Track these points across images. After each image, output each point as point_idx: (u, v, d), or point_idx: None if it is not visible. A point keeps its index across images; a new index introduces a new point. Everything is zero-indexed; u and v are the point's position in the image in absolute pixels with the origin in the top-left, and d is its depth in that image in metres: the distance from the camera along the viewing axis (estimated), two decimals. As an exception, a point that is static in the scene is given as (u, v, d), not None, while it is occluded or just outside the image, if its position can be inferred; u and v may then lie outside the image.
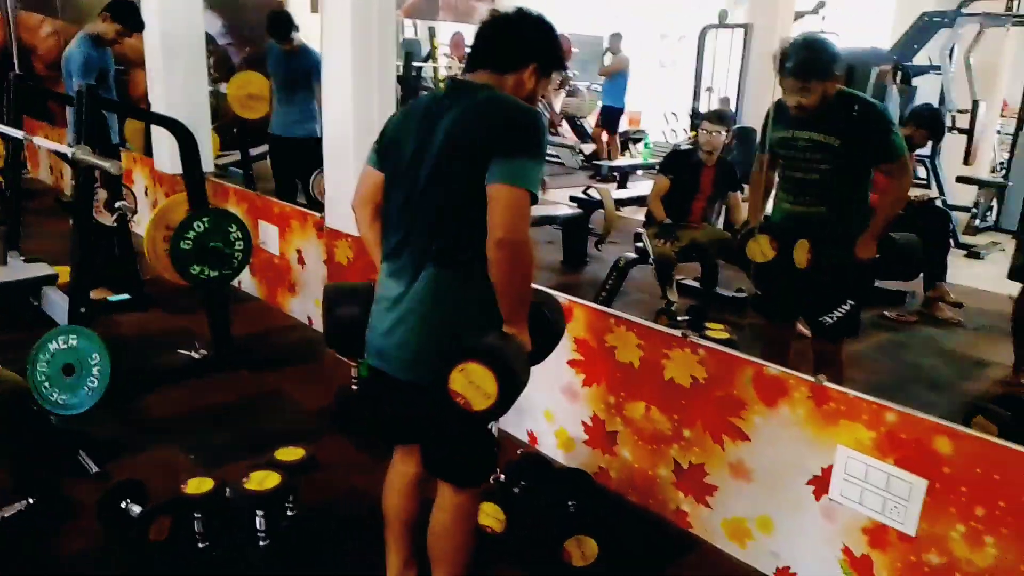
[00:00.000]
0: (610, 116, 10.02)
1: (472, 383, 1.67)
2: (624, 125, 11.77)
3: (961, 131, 6.97)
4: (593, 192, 6.10)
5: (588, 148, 10.60)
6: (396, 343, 1.83)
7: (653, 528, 2.72)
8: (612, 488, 2.91)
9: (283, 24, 5.29)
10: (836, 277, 2.92)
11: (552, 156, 9.75)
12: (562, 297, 2.94)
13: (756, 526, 2.49)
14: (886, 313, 4.83)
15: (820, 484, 2.29)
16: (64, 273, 3.86)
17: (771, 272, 3.03)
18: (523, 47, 1.83)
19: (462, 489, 1.95)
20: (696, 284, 4.99)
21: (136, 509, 2.50)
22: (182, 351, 3.92)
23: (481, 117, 1.72)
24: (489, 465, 2.06)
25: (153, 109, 5.25)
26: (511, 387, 1.68)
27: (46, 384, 2.85)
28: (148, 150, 5.94)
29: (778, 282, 3.05)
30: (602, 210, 5.82)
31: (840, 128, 2.78)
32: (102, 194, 4.36)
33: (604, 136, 10.11)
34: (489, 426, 1.93)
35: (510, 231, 1.66)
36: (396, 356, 1.84)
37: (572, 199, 6.19)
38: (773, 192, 3.19)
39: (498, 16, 1.87)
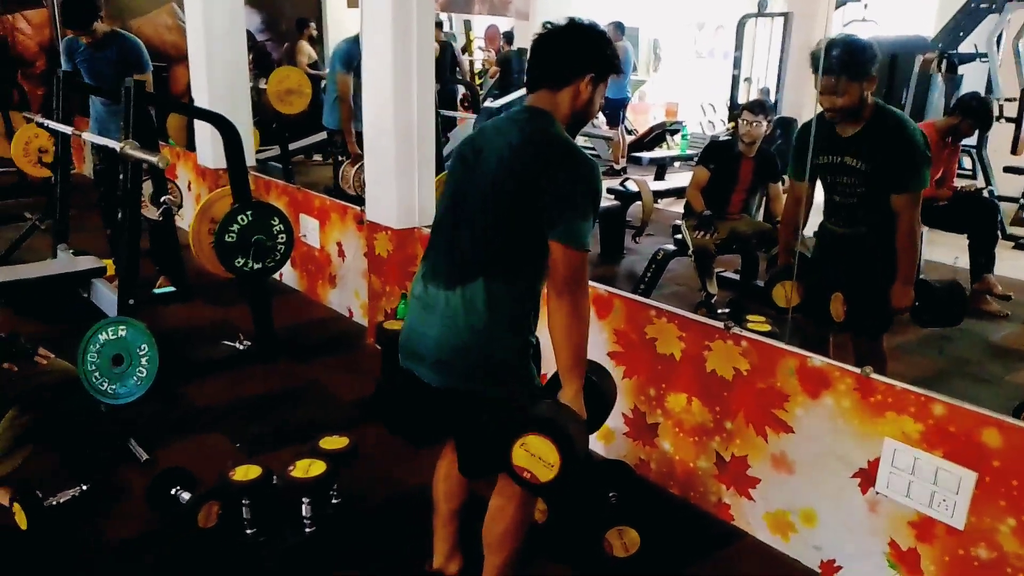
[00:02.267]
0: (612, 108, 9.69)
1: (534, 456, 1.71)
2: (660, 116, 11.66)
3: (1009, 120, 6.78)
4: (631, 184, 6.06)
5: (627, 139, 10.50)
6: (429, 347, 1.86)
7: (694, 520, 2.71)
8: (653, 480, 2.90)
9: (80, 9, 4.27)
10: (875, 302, 2.88)
11: (587, 147, 9.70)
12: (601, 288, 2.95)
13: (799, 519, 2.47)
14: (931, 306, 4.74)
15: (866, 477, 2.26)
16: (111, 266, 3.95)
17: (808, 308, 3.02)
18: (578, 60, 1.85)
19: None
20: (735, 276, 4.94)
21: (186, 496, 2.57)
22: (226, 342, 3.99)
23: (545, 164, 1.76)
24: None
25: (196, 104, 5.33)
26: (572, 453, 1.69)
27: (96, 374, 2.92)
28: (191, 145, 6.04)
29: (820, 291, 3.02)
30: (639, 202, 5.80)
31: (872, 153, 2.72)
32: (147, 188, 4.45)
33: (612, 131, 9.82)
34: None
35: (570, 286, 1.75)
36: (430, 360, 1.87)
37: (609, 191, 6.16)
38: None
39: (549, 31, 1.89)
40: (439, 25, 9.34)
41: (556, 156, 1.77)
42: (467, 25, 11.28)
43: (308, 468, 2.44)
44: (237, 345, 3.94)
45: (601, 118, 10.61)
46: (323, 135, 8.74)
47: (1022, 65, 7.06)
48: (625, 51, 9.51)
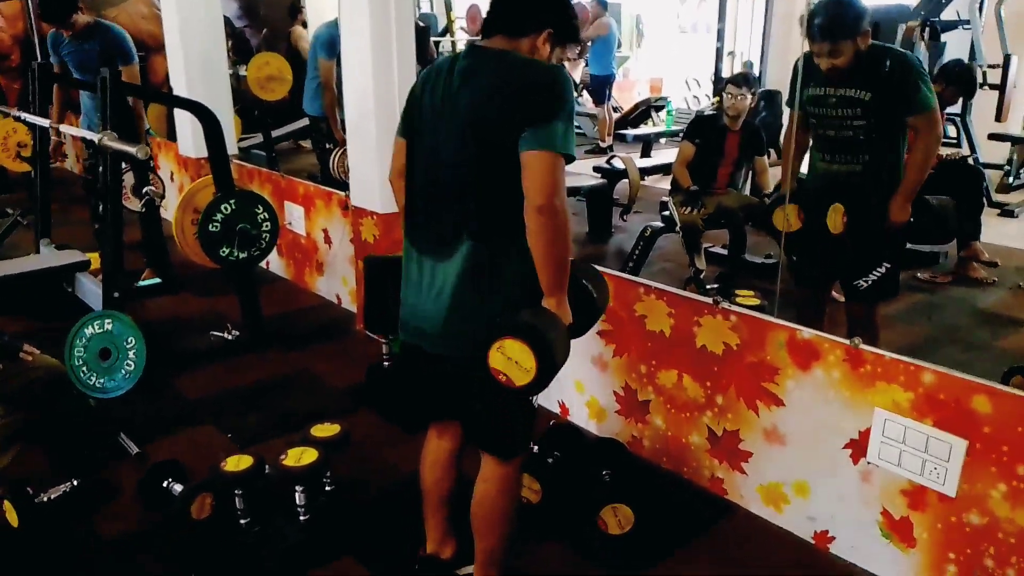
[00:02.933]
0: (598, 85, 9.54)
1: (510, 359, 1.68)
2: (645, 93, 11.60)
3: (992, 87, 6.79)
4: (617, 162, 6.04)
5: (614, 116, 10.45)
6: (433, 318, 1.83)
7: (688, 495, 2.72)
8: (645, 457, 2.91)
9: (56, 2, 4.21)
10: (872, 239, 2.87)
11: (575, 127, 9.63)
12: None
13: (792, 491, 2.48)
14: (919, 274, 4.76)
15: (857, 447, 2.27)
16: (96, 259, 3.91)
17: (804, 238, 2.98)
18: (537, 11, 1.81)
19: (506, 460, 1.95)
20: (723, 251, 4.94)
21: (178, 488, 2.55)
22: (214, 333, 3.96)
23: (505, 84, 1.70)
24: (530, 435, 2.06)
25: (175, 93, 5.26)
26: (549, 360, 1.67)
27: (84, 368, 2.89)
28: (172, 135, 5.97)
29: (811, 248, 3.00)
30: (626, 180, 5.78)
31: (871, 81, 2.72)
32: (129, 180, 4.40)
33: (597, 108, 9.71)
34: (532, 398, 1.93)
35: (548, 196, 1.65)
36: (433, 332, 1.84)
37: (596, 169, 6.14)
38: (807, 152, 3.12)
39: None
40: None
41: (520, 71, 1.71)
42: (448, 5, 11.16)
43: (300, 456, 2.44)
44: (226, 335, 3.92)
45: (586, 95, 10.53)
46: (306, 121, 8.69)
47: (1004, 31, 7.06)
48: (610, 27, 9.42)
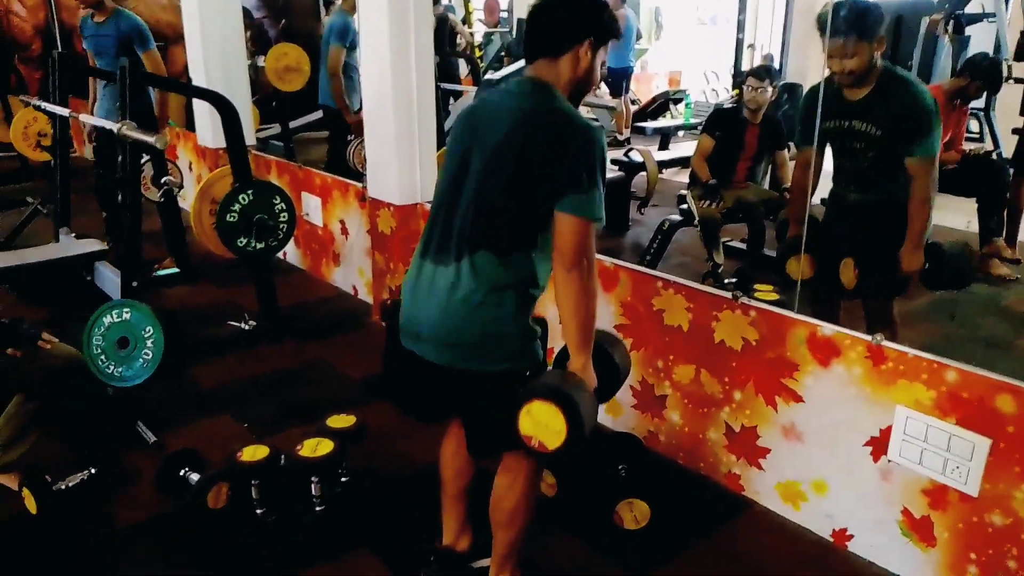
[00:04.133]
0: (615, 77, 9.40)
1: (540, 423, 1.69)
2: (663, 85, 11.51)
3: (1018, 81, 6.67)
4: (635, 155, 6.00)
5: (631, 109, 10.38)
6: (433, 326, 1.82)
7: (704, 491, 2.70)
8: (662, 452, 2.89)
9: None
10: (887, 266, 2.84)
11: (592, 118, 9.59)
12: (607, 260, 2.92)
13: (811, 488, 2.46)
14: (940, 271, 4.70)
15: (878, 445, 2.25)
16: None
17: (820, 277, 2.99)
18: (575, 25, 1.81)
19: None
20: (742, 246, 4.90)
21: (195, 477, 2.57)
22: (231, 323, 3.98)
23: (544, 135, 1.73)
24: None
25: (194, 83, 5.28)
26: (578, 420, 1.68)
27: (102, 357, 2.91)
28: (190, 125, 5.99)
29: (830, 255, 2.98)
30: (644, 173, 5.74)
31: (883, 118, 2.67)
32: (148, 170, 4.43)
33: (614, 100, 9.65)
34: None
35: (578, 257, 1.72)
36: (433, 339, 1.84)
37: (613, 162, 6.10)
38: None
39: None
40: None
41: (559, 129, 1.73)
42: (466, -3, 11.12)
43: (316, 447, 2.44)
44: (242, 325, 3.93)
45: (604, 88, 10.46)
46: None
47: (1031, 24, 6.94)
48: (627, 19, 9.34)
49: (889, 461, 2.22)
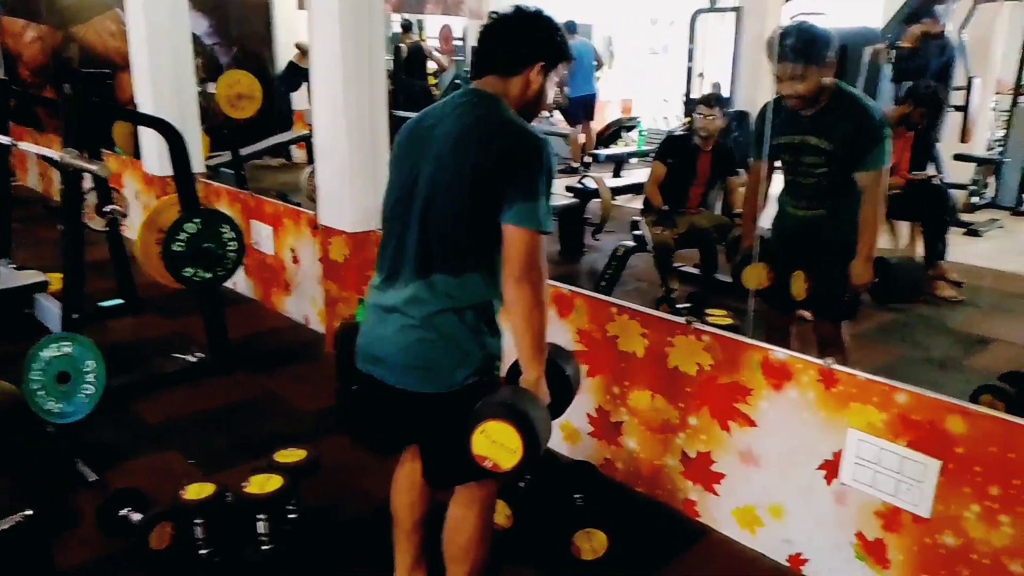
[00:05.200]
0: (572, 106, 9.52)
1: (495, 442, 1.66)
2: (616, 113, 11.66)
3: (957, 108, 6.91)
4: (588, 181, 6.04)
5: (582, 138, 10.49)
6: (393, 350, 1.79)
7: (662, 518, 2.68)
8: (619, 479, 2.87)
9: None
10: (837, 282, 2.87)
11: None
12: (562, 287, 2.91)
13: (767, 513, 2.45)
14: (887, 293, 4.79)
15: (831, 468, 2.26)
16: (56, 280, 3.81)
17: (771, 292, 3.01)
18: (527, 47, 1.81)
19: (480, 484, 1.91)
20: (695, 271, 4.94)
21: (136, 517, 2.47)
22: (178, 355, 3.87)
23: (492, 145, 1.71)
24: None
25: (141, 111, 5.19)
26: (534, 438, 1.65)
27: (41, 393, 2.80)
28: (138, 153, 5.88)
29: (780, 287, 3.01)
30: (598, 199, 5.78)
31: (835, 133, 2.72)
32: (92, 199, 4.31)
33: (579, 130, 9.78)
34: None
35: (528, 269, 1.69)
36: (393, 363, 1.80)
37: (568, 189, 6.13)
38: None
39: (499, 18, 1.84)
40: (409, 27, 9.25)
41: (507, 138, 1.71)
42: (420, 25, 11.18)
43: (264, 483, 2.36)
44: (189, 357, 3.83)
45: (557, 115, 10.56)
46: (283, 137, 8.64)
47: (967, 55, 7.20)
48: (580, 47, 9.47)
49: (842, 484, 2.23)
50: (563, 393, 1.96)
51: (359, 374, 1.90)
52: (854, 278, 2.82)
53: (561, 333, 2.89)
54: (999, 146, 7.91)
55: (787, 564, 2.42)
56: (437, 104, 1.89)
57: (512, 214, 1.68)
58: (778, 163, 3.00)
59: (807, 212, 2.93)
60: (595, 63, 9.49)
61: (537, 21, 1.82)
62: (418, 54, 9.02)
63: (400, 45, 8.84)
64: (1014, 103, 7.42)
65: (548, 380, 1.81)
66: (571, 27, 9.51)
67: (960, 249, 5.47)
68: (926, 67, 6.05)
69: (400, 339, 1.77)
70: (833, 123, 2.73)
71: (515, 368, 1.82)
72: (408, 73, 8.86)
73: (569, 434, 3.03)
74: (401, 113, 7.33)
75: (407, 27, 9.23)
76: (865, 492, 2.18)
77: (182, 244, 3.46)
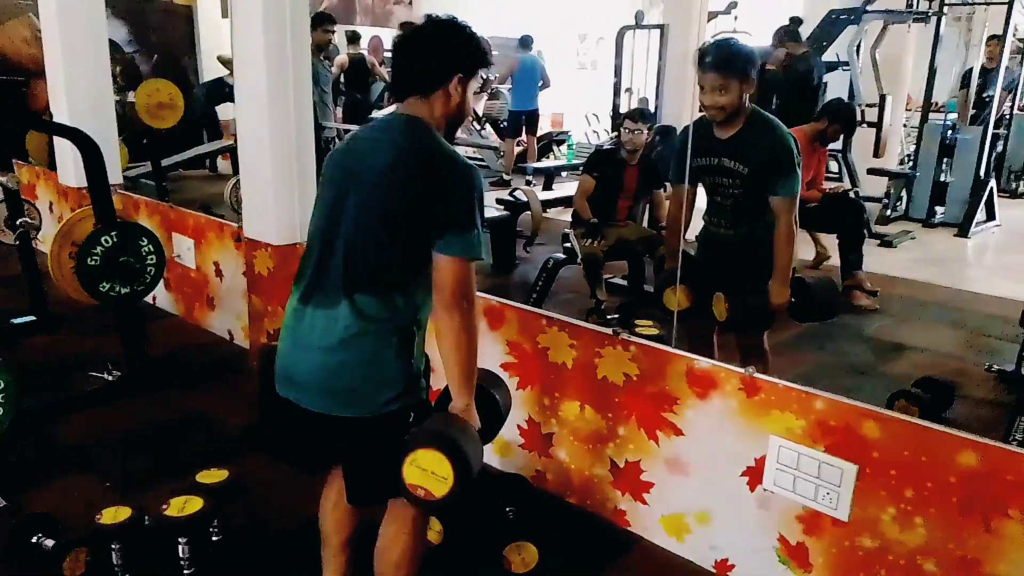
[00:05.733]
0: (513, 119, 9.71)
1: (426, 471, 1.65)
2: (546, 127, 11.76)
3: (870, 124, 7.21)
4: (519, 194, 6.08)
5: (518, 149, 10.53)
6: (311, 373, 1.76)
7: (592, 529, 2.70)
8: (550, 491, 2.88)
9: None
10: (756, 299, 2.95)
11: (476, 159, 9.68)
12: (493, 299, 2.91)
13: (694, 520, 2.49)
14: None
15: (754, 475, 2.31)
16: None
17: (696, 309, 3.07)
18: (442, 61, 1.77)
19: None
20: (624, 282, 5.02)
21: (49, 543, 2.36)
22: (94, 374, 3.72)
23: (421, 176, 1.70)
24: None
25: (56, 120, 4.99)
26: (465, 465, 1.64)
27: (-57, 416, 2.66)
28: (52, 163, 5.65)
29: (702, 301, 3.07)
30: (529, 212, 5.81)
31: (750, 157, 2.79)
32: (3, 211, 4.13)
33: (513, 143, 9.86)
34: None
35: (460, 298, 1.69)
36: (311, 387, 1.77)
37: (499, 201, 6.15)
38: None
39: (409, 33, 1.81)
40: (356, 39, 9.11)
41: (437, 168, 1.71)
42: (349, 36, 11.07)
43: (184, 506, 2.29)
44: (106, 376, 3.68)
45: (488, 129, 10.62)
46: (206, 148, 8.43)
47: (880, 73, 7.52)
48: (533, 63, 9.58)
49: (765, 490, 2.29)
50: (493, 418, 1.96)
51: (278, 397, 1.85)
52: (772, 297, 2.90)
53: (492, 345, 2.89)
54: (910, 161, 8.28)
55: (714, 570, 2.46)
56: (366, 129, 1.87)
57: (444, 244, 1.68)
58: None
59: (726, 231, 3.00)
60: (541, 81, 9.58)
61: (450, 30, 1.79)
62: (360, 66, 8.91)
63: (344, 56, 8.64)
64: (923, 120, 7.78)
65: (478, 406, 1.80)
66: (526, 41, 9.66)
67: (875, 260, 5.68)
68: (792, 84, 6.33)
69: (318, 361, 1.74)
70: (748, 148, 2.80)
71: (446, 395, 1.81)
72: (350, 85, 8.74)
73: (500, 447, 3.02)
74: (343, 126, 7.28)
75: (354, 38, 9.10)
76: (786, 497, 2.24)
77: (97, 258, 3.34)
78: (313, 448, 1.94)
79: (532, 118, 9.71)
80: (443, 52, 1.78)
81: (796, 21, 6.92)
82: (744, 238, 2.95)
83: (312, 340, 1.75)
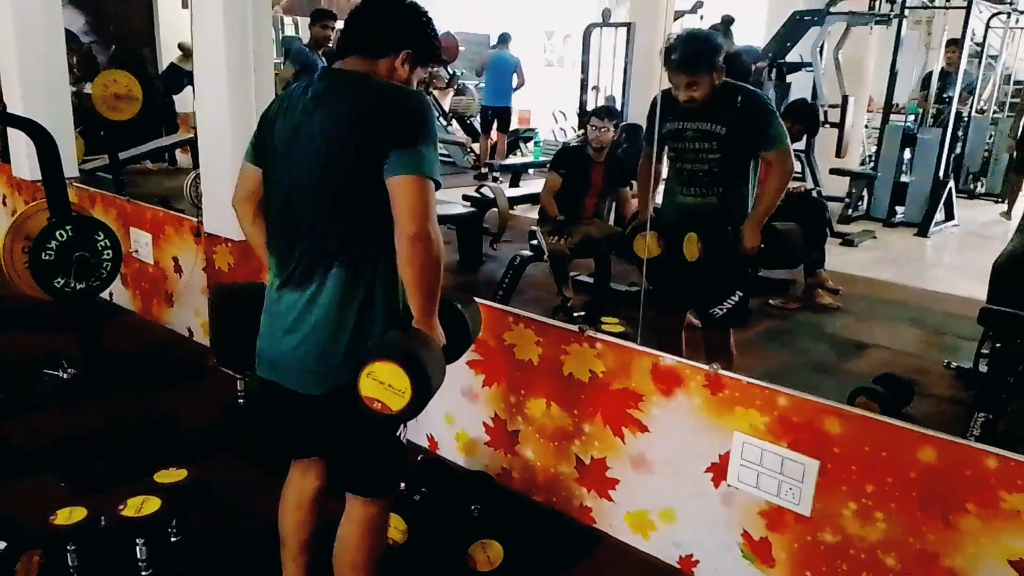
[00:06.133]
0: (484, 115, 9.77)
1: (383, 384, 1.59)
2: (514, 123, 11.76)
3: (833, 125, 7.30)
4: (486, 191, 6.05)
5: (478, 147, 10.54)
6: (293, 353, 1.73)
7: (558, 526, 2.69)
8: (516, 488, 2.86)
9: None
10: (725, 267, 2.96)
11: (443, 155, 9.64)
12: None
13: (659, 517, 2.50)
14: (771, 301, 4.99)
15: (718, 471, 2.32)
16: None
17: (662, 265, 3.05)
18: (395, 31, 1.75)
19: (373, 500, 1.86)
20: (590, 280, 5.02)
21: (1, 545, 2.31)
22: (48, 372, 3.62)
23: (366, 108, 1.63)
24: (400, 473, 2.01)
25: (9, 111, 4.86)
26: (423, 379, 1.60)
27: None
28: (6, 156, 5.50)
29: (669, 275, 3.08)
30: (496, 209, 5.79)
31: (726, 117, 2.83)
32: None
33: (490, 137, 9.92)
34: (399, 433, 1.85)
35: (421, 222, 1.59)
36: (294, 367, 1.74)
37: (465, 198, 6.12)
38: (663, 184, 3.21)
39: (371, 1, 1.79)
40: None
41: (381, 99, 1.65)
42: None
43: (141, 506, 2.24)
44: (61, 374, 3.59)
45: (455, 124, 10.58)
46: (165, 140, 8.26)
47: (842, 74, 7.63)
48: (506, 59, 9.56)
49: (729, 486, 2.30)
50: (460, 336, 1.91)
51: (260, 380, 1.83)
52: (744, 240, 2.89)
53: (456, 343, 2.87)
54: (871, 161, 8.41)
55: (679, 567, 2.47)
56: (290, 94, 1.77)
57: (397, 164, 1.59)
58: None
59: (697, 200, 2.98)
60: (517, 79, 9.57)
61: (409, 8, 1.77)
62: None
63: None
64: (884, 121, 7.91)
65: (445, 322, 1.75)
66: (504, 38, 9.65)
67: (836, 259, 5.75)
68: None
69: (302, 343, 1.71)
70: (722, 108, 2.83)
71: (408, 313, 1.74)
72: None
73: (465, 444, 3.00)
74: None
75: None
76: (750, 493, 2.25)
77: (51, 253, 3.26)
78: (294, 430, 1.91)
79: (503, 115, 9.71)
80: (399, 25, 1.76)
81: (727, 20, 7.05)
82: (716, 205, 2.94)
83: (292, 323, 1.72)
